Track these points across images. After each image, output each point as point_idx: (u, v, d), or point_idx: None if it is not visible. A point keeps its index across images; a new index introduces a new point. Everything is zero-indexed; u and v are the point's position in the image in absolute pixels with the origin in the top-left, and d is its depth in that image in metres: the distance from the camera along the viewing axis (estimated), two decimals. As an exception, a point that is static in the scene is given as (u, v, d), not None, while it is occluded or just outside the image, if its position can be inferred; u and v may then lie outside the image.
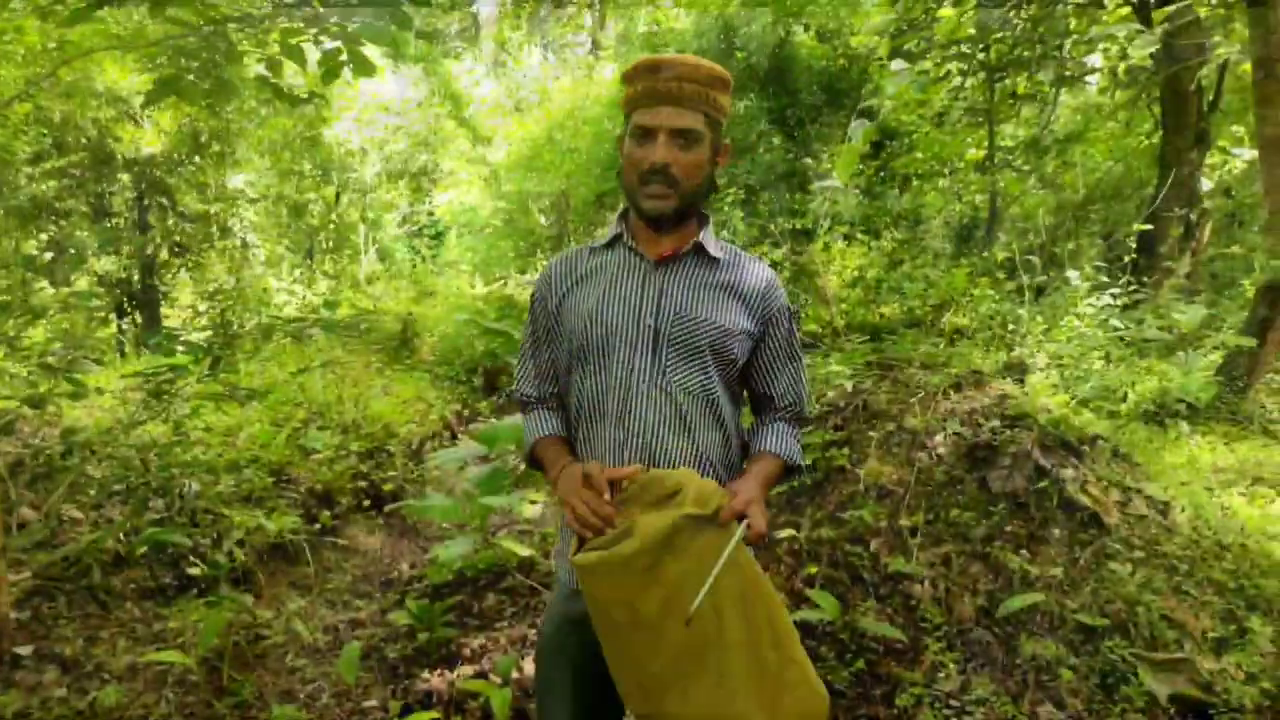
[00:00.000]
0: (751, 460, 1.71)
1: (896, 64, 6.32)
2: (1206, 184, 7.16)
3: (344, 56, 3.20)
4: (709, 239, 1.69)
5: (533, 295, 1.78)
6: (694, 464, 1.61)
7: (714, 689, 1.35)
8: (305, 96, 3.56)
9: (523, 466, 1.80)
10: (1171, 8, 4.48)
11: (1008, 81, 7.39)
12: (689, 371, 1.61)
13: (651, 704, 1.38)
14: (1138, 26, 5.09)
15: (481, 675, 3.15)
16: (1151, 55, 6.61)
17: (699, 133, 1.59)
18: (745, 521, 1.44)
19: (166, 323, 8.56)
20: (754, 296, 1.68)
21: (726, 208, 7.38)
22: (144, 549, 3.60)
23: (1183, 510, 3.24)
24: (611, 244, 1.70)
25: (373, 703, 3.04)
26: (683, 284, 1.64)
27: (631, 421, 1.58)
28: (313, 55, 3.33)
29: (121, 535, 3.68)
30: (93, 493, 3.82)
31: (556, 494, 1.60)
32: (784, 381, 1.75)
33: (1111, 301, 5.34)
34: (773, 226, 7.49)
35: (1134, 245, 6.78)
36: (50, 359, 3.25)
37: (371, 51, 3.26)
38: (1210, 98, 6.84)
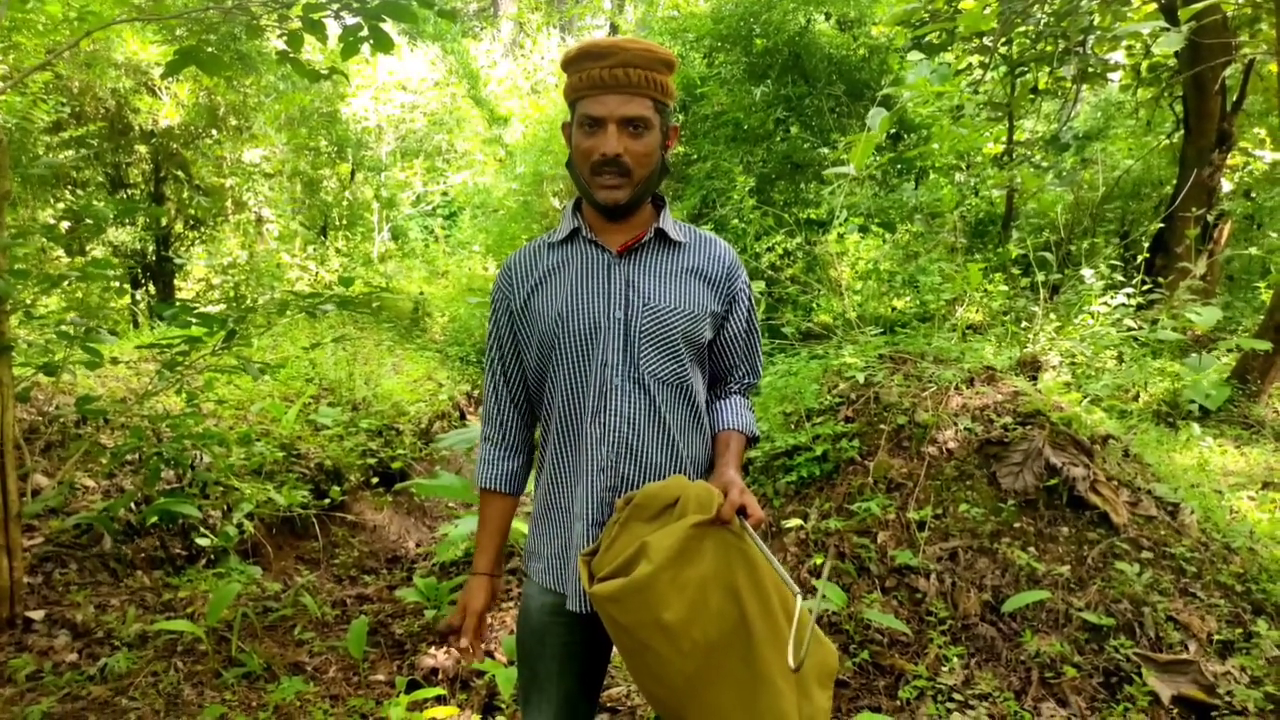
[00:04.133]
0: (718, 441, 1.71)
1: (913, 55, 6.29)
2: (1227, 185, 7.09)
3: (364, 32, 3.19)
4: (668, 223, 1.66)
5: (493, 298, 1.72)
6: (668, 451, 1.61)
7: (747, 678, 1.36)
8: (324, 72, 3.54)
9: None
10: (1198, 6, 4.43)
11: (1029, 76, 7.33)
12: (662, 360, 1.60)
13: (687, 705, 1.38)
14: (1163, 24, 5.03)
15: (487, 654, 3.17)
16: (1176, 54, 6.55)
17: (648, 119, 1.55)
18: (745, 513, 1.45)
19: (180, 295, 8.59)
20: (719, 277, 1.68)
21: (737, 195, 7.35)
22: (155, 519, 3.63)
23: (1192, 512, 3.24)
24: (570, 238, 1.66)
25: (379, 677, 3.07)
26: (649, 273, 1.62)
27: (608, 417, 1.58)
28: (333, 31, 3.32)
29: (133, 504, 3.71)
30: (105, 461, 3.85)
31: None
32: (743, 356, 1.76)
33: (1126, 301, 5.32)
34: (787, 216, 7.46)
35: (1149, 244, 6.74)
36: (66, 327, 3.26)
37: (388, 29, 3.25)
38: (1234, 98, 6.78)
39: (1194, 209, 6.50)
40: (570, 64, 1.59)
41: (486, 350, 1.77)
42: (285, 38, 3.31)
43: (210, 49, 3.26)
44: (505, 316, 1.69)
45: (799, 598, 1.40)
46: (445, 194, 13.41)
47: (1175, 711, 2.50)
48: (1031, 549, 3.07)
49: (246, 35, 3.46)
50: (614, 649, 1.73)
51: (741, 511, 1.44)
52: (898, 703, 2.66)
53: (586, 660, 1.68)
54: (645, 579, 1.34)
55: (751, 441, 1.76)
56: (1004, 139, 7.77)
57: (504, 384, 1.72)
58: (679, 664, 1.36)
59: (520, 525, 3.90)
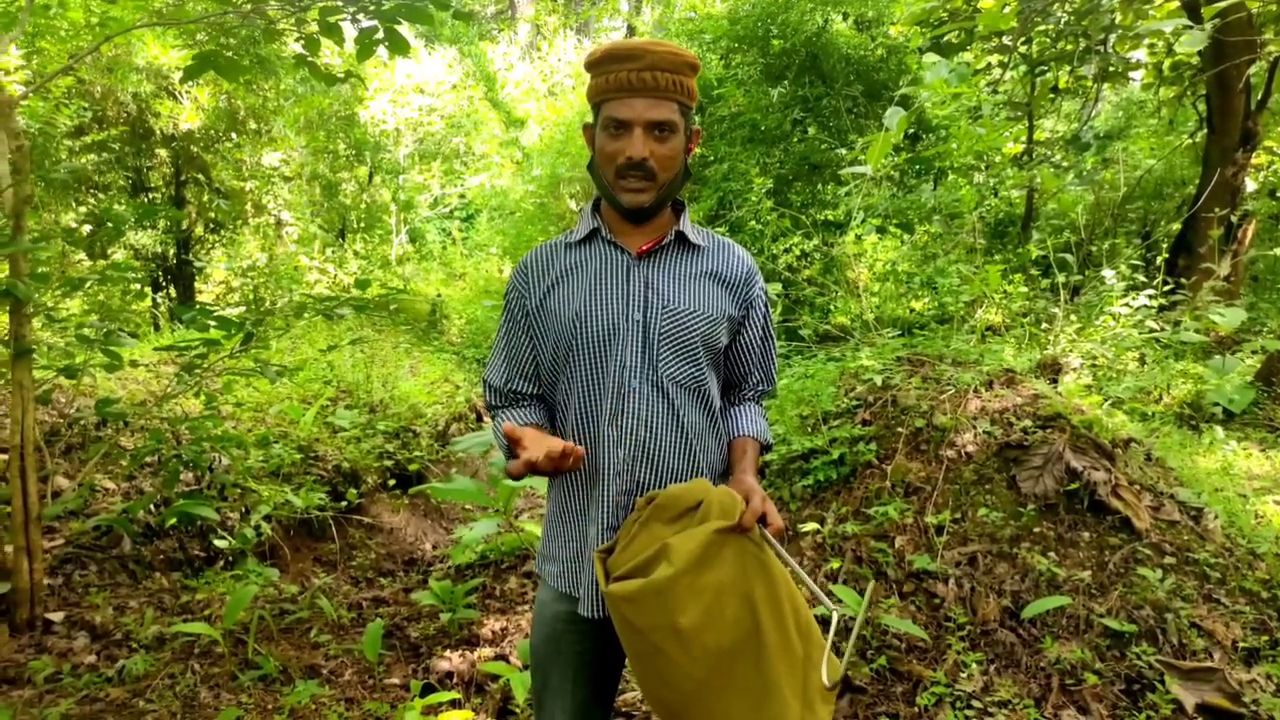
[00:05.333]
0: (734, 448, 1.71)
1: (930, 57, 6.24)
2: (1251, 184, 6.99)
3: (380, 35, 3.20)
4: (688, 226, 1.66)
5: (508, 293, 1.71)
6: (684, 455, 1.60)
7: (755, 688, 1.35)
8: (342, 75, 3.56)
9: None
10: (1221, 4, 4.37)
11: (1049, 75, 7.26)
12: (680, 364, 1.59)
13: (693, 710, 1.37)
14: (1185, 22, 4.97)
15: (502, 658, 3.17)
16: (1199, 52, 6.46)
17: (674, 123, 1.54)
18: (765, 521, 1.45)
19: (200, 298, 8.66)
20: (738, 282, 1.68)
21: (754, 197, 7.32)
22: (174, 521, 3.65)
23: (1216, 517, 3.19)
24: (588, 238, 1.66)
25: (394, 680, 3.07)
26: (668, 276, 1.62)
27: (625, 419, 1.57)
28: (349, 34, 3.33)
29: (152, 506, 3.74)
30: (125, 464, 3.88)
31: (525, 454, 1.43)
32: (758, 364, 1.76)
33: (1148, 302, 5.25)
34: (804, 217, 7.42)
35: (1171, 245, 6.65)
36: (87, 330, 3.28)
37: (405, 32, 3.26)
38: (1259, 96, 6.68)
39: (1217, 209, 6.41)
40: (595, 65, 1.57)
41: (495, 343, 1.75)
42: (302, 41, 3.33)
43: (229, 53, 3.29)
44: (521, 315, 1.68)
45: (835, 614, 1.39)
46: (462, 196, 13.45)
47: (1199, 720, 2.46)
48: (1052, 554, 3.03)
49: (264, 39, 3.48)
50: (627, 654, 1.72)
51: (761, 520, 1.43)
52: (915, 709, 2.63)
53: (600, 667, 1.67)
54: (665, 581, 1.33)
55: (765, 449, 1.76)
56: (1024, 139, 7.70)
57: (508, 374, 1.70)
58: (689, 669, 1.35)
59: (534, 527, 3.90)
